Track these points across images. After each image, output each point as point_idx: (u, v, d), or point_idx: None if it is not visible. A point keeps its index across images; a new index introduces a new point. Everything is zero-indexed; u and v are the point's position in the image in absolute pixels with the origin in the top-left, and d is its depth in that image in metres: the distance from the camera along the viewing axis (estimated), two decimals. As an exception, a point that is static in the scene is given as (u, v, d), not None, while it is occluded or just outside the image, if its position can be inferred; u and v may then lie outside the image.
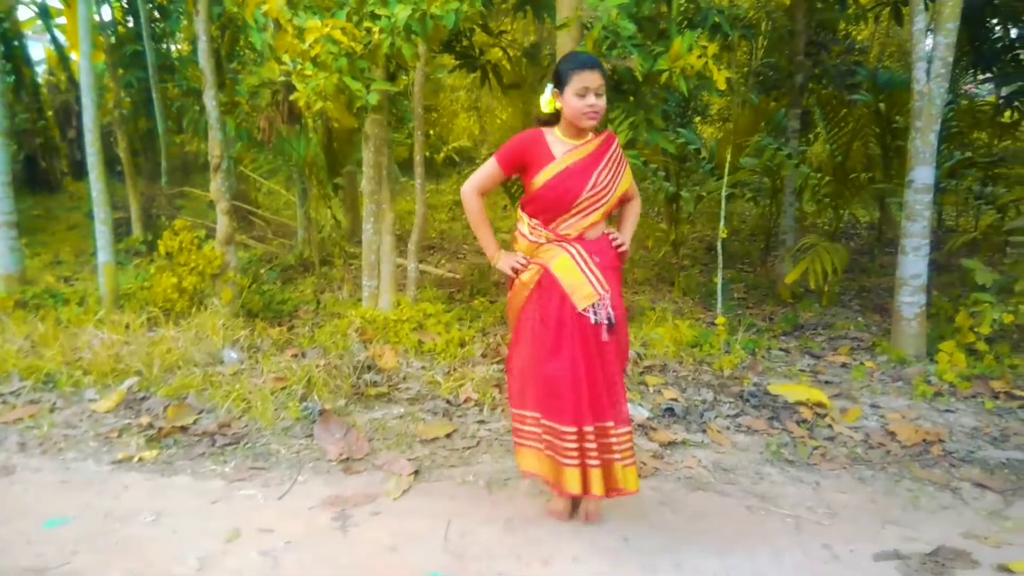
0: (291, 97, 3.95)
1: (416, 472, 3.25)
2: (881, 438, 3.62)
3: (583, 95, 2.50)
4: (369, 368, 4.43)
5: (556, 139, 2.65)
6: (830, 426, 3.76)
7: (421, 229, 5.25)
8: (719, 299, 5.51)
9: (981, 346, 4.58)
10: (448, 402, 4.00)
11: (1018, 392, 4.10)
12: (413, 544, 2.73)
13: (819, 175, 6.83)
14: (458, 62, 6.31)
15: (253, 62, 6.01)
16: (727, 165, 5.58)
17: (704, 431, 3.73)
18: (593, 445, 2.60)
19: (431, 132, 14.10)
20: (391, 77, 6.04)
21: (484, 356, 4.74)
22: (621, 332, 2.72)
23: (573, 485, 2.63)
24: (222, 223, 5.27)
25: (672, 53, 4.28)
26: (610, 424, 2.63)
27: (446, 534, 2.79)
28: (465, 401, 4.00)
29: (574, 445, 2.59)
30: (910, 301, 4.79)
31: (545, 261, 2.66)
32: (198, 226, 6.76)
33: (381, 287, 5.22)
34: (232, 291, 5.20)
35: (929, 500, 3.06)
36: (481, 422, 3.78)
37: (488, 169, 2.69)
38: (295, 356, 4.67)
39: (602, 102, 2.52)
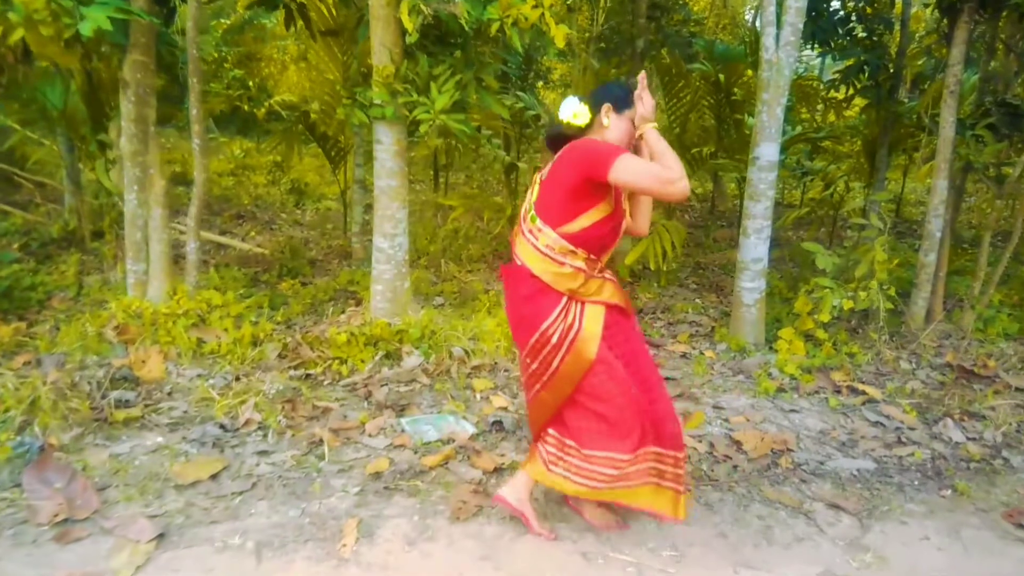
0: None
1: (160, 536, 2.44)
2: (727, 449, 3.25)
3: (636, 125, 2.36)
4: (124, 381, 3.49)
5: None
6: (674, 435, 3.34)
7: (201, 199, 4.28)
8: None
9: (820, 333, 4.39)
10: (222, 427, 3.16)
11: (859, 386, 3.92)
12: (135, 658, 1.96)
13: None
14: (255, -1, 5.26)
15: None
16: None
17: (536, 449, 3.18)
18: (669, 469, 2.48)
19: (251, 84, 12.65)
20: (170, 13, 4.95)
21: (281, 358, 3.93)
22: None
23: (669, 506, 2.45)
24: (-72, 189, 4.03)
25: (503, 0, 3.64)
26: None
27: (187, 635, 2.04)
28: (245, 424, 3.18)
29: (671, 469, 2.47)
30: (751, 287, 4.52)
31: (603, 297, 2.41)
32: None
33: (151, 272, 4.22)
34: (-54, 278, 4.01)
35: (783, 530, 2.69)
36: (262, 453, 2.99)
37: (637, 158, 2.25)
38: (27, 364, 3.62)
39: None
